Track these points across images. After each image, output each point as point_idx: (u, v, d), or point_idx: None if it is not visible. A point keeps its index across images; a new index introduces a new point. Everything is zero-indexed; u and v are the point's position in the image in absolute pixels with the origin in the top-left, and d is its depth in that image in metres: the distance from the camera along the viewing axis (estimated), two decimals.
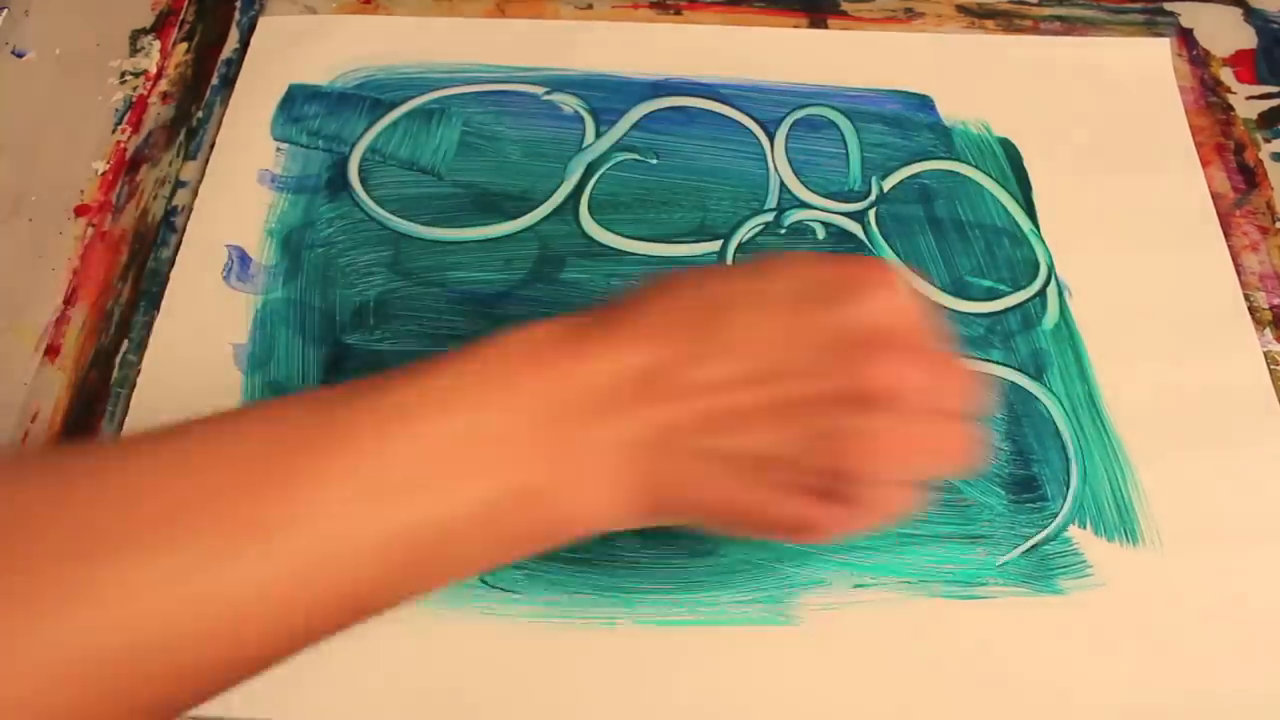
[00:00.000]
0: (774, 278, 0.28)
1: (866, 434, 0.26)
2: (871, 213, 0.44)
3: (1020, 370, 0.40)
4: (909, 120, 0.46)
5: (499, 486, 0.26)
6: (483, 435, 0.26)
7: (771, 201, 0.44)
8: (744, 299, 0.27)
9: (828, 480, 0.26)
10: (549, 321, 0.28)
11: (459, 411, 0.26)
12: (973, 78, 0.47)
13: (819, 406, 0.26)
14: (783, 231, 0.43)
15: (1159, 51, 0.48)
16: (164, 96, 0.47)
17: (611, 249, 0.42)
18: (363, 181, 0.44)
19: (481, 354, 0.27)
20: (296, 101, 0.46)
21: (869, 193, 0.44)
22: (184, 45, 0.49)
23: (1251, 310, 0.41)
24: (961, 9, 0.50)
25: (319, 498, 0.24)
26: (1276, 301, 0.42)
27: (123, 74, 0.48)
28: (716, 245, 0.43)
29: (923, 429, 0.27)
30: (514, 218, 0.43)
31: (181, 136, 0.46)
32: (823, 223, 0.43)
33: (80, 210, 0.44)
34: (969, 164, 0.45)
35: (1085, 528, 0.37)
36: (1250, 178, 0.45)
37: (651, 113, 0.46)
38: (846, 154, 0.45)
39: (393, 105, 0.46)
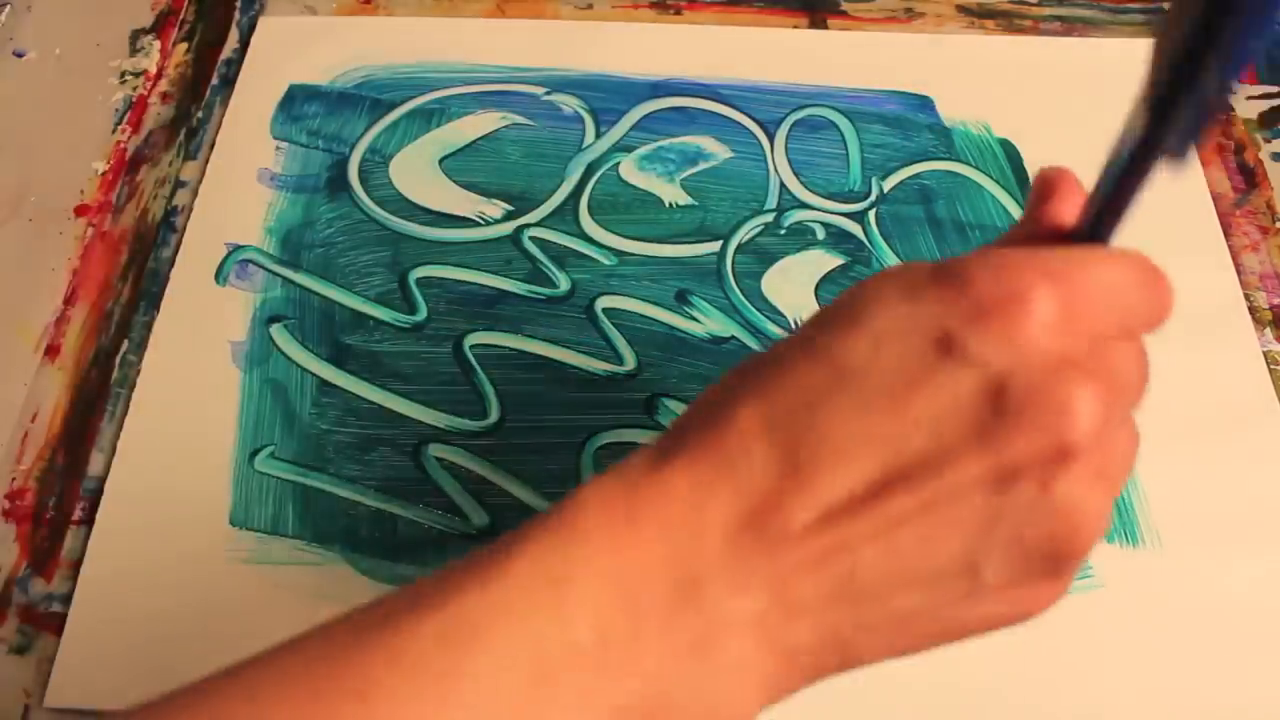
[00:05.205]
0: (858, 335, 0.21)
1: (1079, 496, 0.20)
2: (871, 213, 0.44)
3: None
4: (909, 121, 0.46)
5: (598, 710, 0.20)
6: (566, 648, 0.20)
7: (771, 202, 0.44)
8: (829, 376, 0.20)
9: (1048, 565, 0.21)
10: (612, 477, 0.22)
11: (535, 623, 0.20)
12: (973, 78, 0.47)
13: (1000, 483, 0.20)
14: (782, 232, 0.43)
15: None
16: (164, 96, 0.47)
17: (611, 249, 0.42)
18: (363, 181, 0.44)
19: (551, 537, 0.21)
20: (296, 101, 0.46)
21: (869, 193, 0.44)
22: (184, 45, 0.49)
23: (1251, 310, 0.41)
24: (961, 9, 0.50)
25: None
26: (1276, 301, 0.42)
27: (123, 74, 0.48)
28: (716, 246, 0.43)
29: (1126, 445, 0.21)
30: (514, 217, 0.43)
31: (181, 136, 0.46)
32: (822, 223, 0.43)
33: (80, 210, 0.44)
34: (969, 164, 0.45)
35: None
36: (1250, 178, 0.45)
37: (651, 113, 0.46)
38: (846, 154, 0.45)
39: (393, 105, 0.46)
